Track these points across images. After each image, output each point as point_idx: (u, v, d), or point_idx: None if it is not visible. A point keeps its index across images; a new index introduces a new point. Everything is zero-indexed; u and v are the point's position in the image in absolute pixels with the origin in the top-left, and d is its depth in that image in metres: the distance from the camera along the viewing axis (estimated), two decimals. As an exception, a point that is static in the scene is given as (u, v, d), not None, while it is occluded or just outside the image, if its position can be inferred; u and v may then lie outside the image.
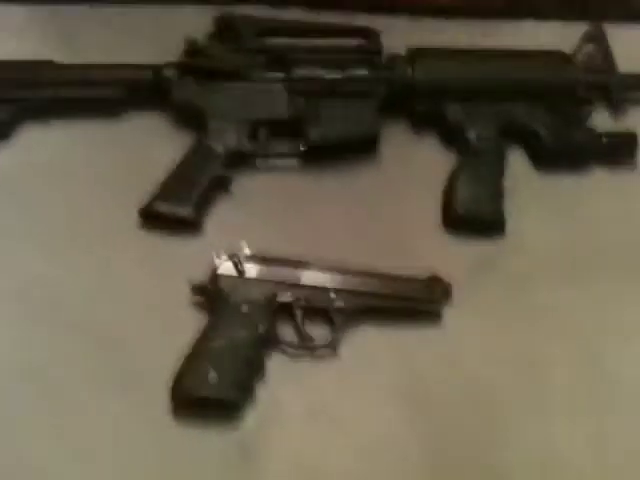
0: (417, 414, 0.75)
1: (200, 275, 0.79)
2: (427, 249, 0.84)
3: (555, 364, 0.78)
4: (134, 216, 0.84)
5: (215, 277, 0.78)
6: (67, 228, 0.84)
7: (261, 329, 0.75)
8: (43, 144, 0.89)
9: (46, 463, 0.72)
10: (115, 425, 0.74)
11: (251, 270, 0.78)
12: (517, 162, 0.89)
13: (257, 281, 0.77)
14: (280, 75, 0.88)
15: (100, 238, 0.83)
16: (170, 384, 0.74)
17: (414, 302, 0.78)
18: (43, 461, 0.72)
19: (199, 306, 0.79)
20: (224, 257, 0.78)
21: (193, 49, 0.87)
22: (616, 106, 0.92)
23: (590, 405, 0.76)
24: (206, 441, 0.73)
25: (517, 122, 0.88)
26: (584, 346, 0.79)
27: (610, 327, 0.80)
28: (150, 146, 0.89)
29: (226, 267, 0.78)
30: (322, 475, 0.72)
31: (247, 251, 0.79)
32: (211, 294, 0.78)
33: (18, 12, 0.96)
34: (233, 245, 0.81)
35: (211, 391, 0.73)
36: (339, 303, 0.78)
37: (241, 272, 0.78)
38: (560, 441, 0.74)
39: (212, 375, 0.72)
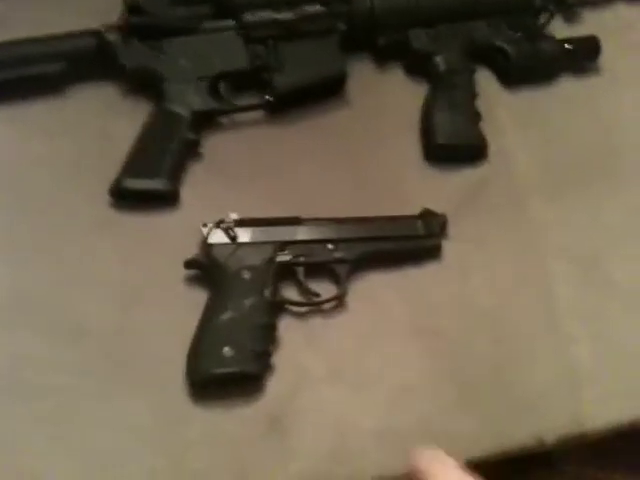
0: (436, 351, 0.74)
1: (188, 248, 0.75)
2: (413, 185, 0.82)
3: (557, 276, 0.78)
4: (104, 198, 0.78)
5: (207, 247, 0.74)
6: (35, 225, 0.77)
7: (266, 293, 0.72)
8: (-14, 135, 0.81)
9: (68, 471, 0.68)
10: (137, 421, 0.70)
11: (243, 234, 0.74)
12: (485, 82, 0.87)
13: (252, 245, 0.74)
14: (231, 23, 0.82)
15: (73, 229, 0.77)
16: (184, 367, 0.70)
17: (413, 240, 0.77)
18: (65, 471, 0.68)
19: (195, 281, 0.75)
20: (211, 225, 0.74)
21: (133, 7, 0.80)
22: (571, 11, 0.92)
23: (595, 313, 0.77)
24: (232, 417, 0.70)
25: (481, 41, 0.86)
26: (583, 256, 0.79)
27: (605, 233, 0.80)
28: (106, 120, 0.82)
29: (217, 235, 0.74)
30: (356, 432, 0.70)
31: (235, 215, 0.75)
32: (207, 266, 0.74)
33: None
34: (217, 213, 0.77)
35: (229, 366, 0.69)
36: (339, 254, 0.75)
37: (233, 238, 0.74)
38: (577, 355, 0.75)
39: (226, 349, 0.69)
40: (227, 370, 0.69)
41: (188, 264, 0.74)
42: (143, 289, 0.75)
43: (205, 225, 0.74)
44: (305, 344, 0.74)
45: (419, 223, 0.77)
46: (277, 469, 0.68)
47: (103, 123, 0.82)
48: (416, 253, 0.78)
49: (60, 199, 0.79)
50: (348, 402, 0.72)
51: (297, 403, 0.71)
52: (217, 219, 0.75)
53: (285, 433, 0.70)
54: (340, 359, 0.73)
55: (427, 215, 0.77)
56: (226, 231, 0.73)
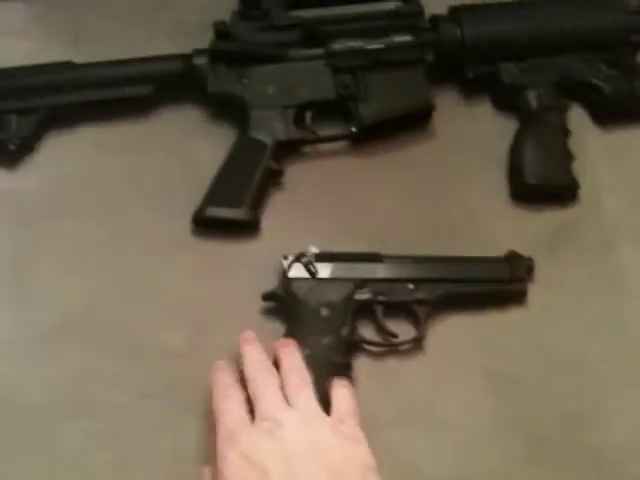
0: (512, 400, 0.72)
1: (267, 278, 0.74)
2: (497, 224, 0.79)
3: (643, 328, 0.75)
4: (185, 221, 0.78)
5: (287, 281, 0.73)
6: (114, 247, 0.78)
7: (344, 332, 0.71)
8: (72, 154, 0.82)
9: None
10: (193, 452, 0.69)
11: (323, 270, 0.73)
12: (577, 120, 0.84)
13: (331, 280, 0.73)
14: (319, 51, 0.81)
15: (153, 253, 0.77)
16: None
17: (497, 284, 0.74)
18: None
19: (272, 312, 0.74)
20: (292, 258, 0.73)
21: (223, 32, 0.80)
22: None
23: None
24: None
25: (575, 77, 0.83)
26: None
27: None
28: (191, 143, 0.82)
29: (296, 269, 0.73)
30: (427, 478, 0.69)
31: (315, 249, 0.74)
32: (285, 300, 0.73)
33: (16, 9, 0.88)
34: (296, 243, 0.76)
35: None
36: (419, 294, 0.73)
37: (313, 273, 0.73)
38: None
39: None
40: None
41: (266, 297, 0.73)
42: (218, 317, 0.75)
43: (286, 257, 0.73)
44: (378, 384, 0.73)
45: (505, 266, 0.74)
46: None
47: (188, 146, 0.82)
48: (500, 298, 0.75)
49: (140, 219, 0.79)
50: (416, 446, 0.70)
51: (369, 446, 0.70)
52: (297, 252, 0.74)
53: None
54: (412, 402, 0.72)
55: (513, 258, 0.75)
56: (306, 266, 0.72)
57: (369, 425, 0.69)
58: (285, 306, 0.73)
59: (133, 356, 0.73)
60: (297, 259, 0.73)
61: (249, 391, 0.65)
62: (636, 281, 0.77)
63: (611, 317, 0.76)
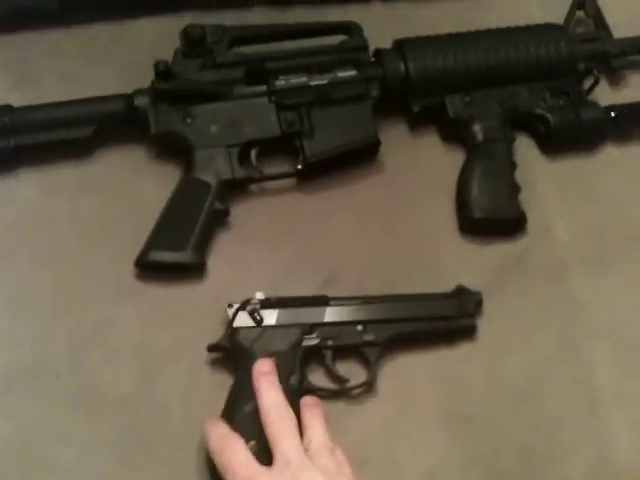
0: (467, 437, 0.71)
1: (215, 322, 0.73)
2: (447, 257, 0.79)
3: (600, 361, 0.74)
4: (129, 264, 0.76)
5: (232, 331, 0.71)
6: (54, 292, 0.76)
7: (293, 381, 0.69)
8: (14, 197, 0.80)
9: None
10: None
11: (269, 317, 0.71)
12: (524, 150, 0.84)
13: (278, 328, 0.71)
14: (262, 88, 0.80)
15: (96, 294, 0.75)
16: (202, 449, 0.68)
17: (446, 320, 0.74)
18: None
19: (220, 360, 0.73)
20: (236, 306, 0.72)
21: (164, 71, 0.79)
22: (615, 74, 0.88)
23: (638, 402, 0.73)
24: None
25: (521, 108, 0.83)
26: (626, 339, 0.75)
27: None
28: (134, 183, 0.81)
29: (241, 318, 0.71)
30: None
31: (260, 295, 0.72)
32: (231, 351, 0.71)
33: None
34: (244, 284, 0.75)
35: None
36: (369, 336, 0.72)
37: (259, 321, 0.71)
38: (618, 446, 0.71)
39: (251, 444, 0.66)
40: None
41: (212, 348, 0.71)
42: (164, 363, 0.73)
43: (230, 306, 0.71)
44: (330, 426, 0.71)
45: (453, 302, 0.74)
46: None
47: (132, 187, 0.81)
48: (450, 333, 0.74)
49: (84, 262, 0.77)
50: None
51: None
52: (243, 299, 0.72)
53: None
54: (365, 444, 0.70)
55: (461, 293, 0.74)
56: (251, 314, 0.71)
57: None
58: (232, 357, 0.71)
59: (80, 406, 0.71)
60: (242, 307, 0.71)
61: (267, 432, 0.64)
62: (587, 312, 0.77)
63: (563, 349, 0.75)
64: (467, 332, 0.75)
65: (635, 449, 0.70)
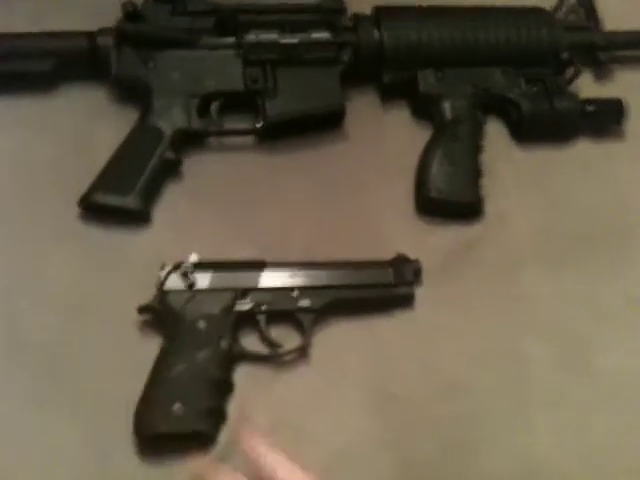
0: (388, 419, 0.69)
1: (152, 274, 0.71)
2: (398, 235, 0.77)
3: (535, 359, 0.72)
4: (74, 206, 0.75)
5: (162, 294, 0.69)
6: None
7: (224, 345, 0.68)
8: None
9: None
10: (61, 444, 0.67)
11: (202, 280, 0.70)
12: (494, 135, 0.81)
13: (210, 291, 0.69)
14: (230, 40, 0.78)
15: (35, 233, 0.74)
16: (129, 414, 0.66)
17: (383, 288, 0.71)
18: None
19: (150, 325, 0.71)
20: (169, 268, 0.70)
21: (131, 13, 0.77)
22: (602, 68, 0.85)
23: (574, 404, 0.70)
24: (166, 465, 0.66)
25: (494, 90, 0.80)
26: (567, 339, 0.73)
27: (598, 318, 0.74)
28: (90, 124, 0.79)
29: (173, 280, 0.69)
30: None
31: (195, 258, 0.70)
32: (161, 314, 0.69)
33: None
34: (188, 239, 0.74)
35: (179, 425, 0.65)
36: (304, 302, 0.70)
37: (191, 284, 0.69)
38: (542, 444, 0.69)
39: (177, 406, 0.64)
40: (176, 429, 0.65)
41: (142, 310, 0.69)
42: (92, 313, 0.71)
43: (163, 268, 0.70)
44: (254, 392, 0.70)
45: (390, 270, 0.72)
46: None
47: (87, 127, 0.79)
48: (387, 302, 0.73)
49: (27, 200, 0.76)
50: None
51: (234, 455, 0.67)
52: (182, 257, 0.70)
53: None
54: (285, 413, 0.69)
55: (400, 261, 0.72)
56: (183, 276, 0.69)
57: (236, 430, 0.67)
58: (161, 320, 0.70)
59: (4, 344, 0.70)
60: (174, 269, 0.69)
61: None
62: (532, 307, 0.74)
63: (501, 342, 0.73)
64: (405, 301, 0.73)
65: (557, 449, 0.68)
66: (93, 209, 0.74)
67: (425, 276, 0.73)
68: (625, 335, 0.73)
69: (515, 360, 0.72)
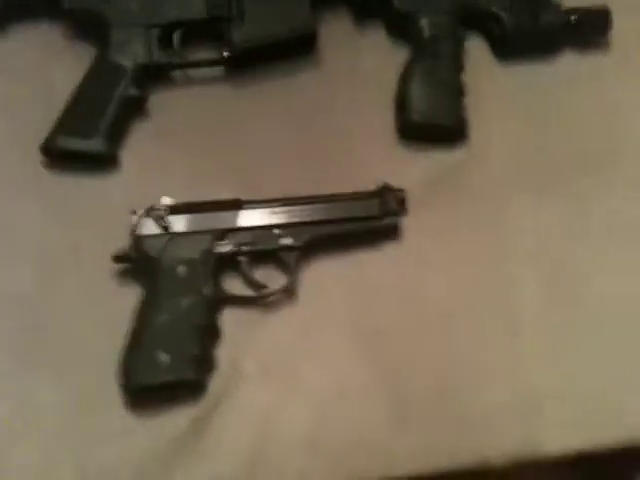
0: (379, 357, 0.67)
1: (122, 220, 0.67)
2: (379, 164, 0.73)
3: (523, 285, 0.70)
4: (36, 153, 0.70)
5: (137, 240, 0.66)
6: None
7: (206, 290, 0.65)
8: None
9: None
10: (39, 399, 0.64)
11: (177, 223, 0.66)
12: (476, 52, 0.77)
13: (187, 235, 0.66)
14: (191, -37, 0.73)
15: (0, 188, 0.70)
16: (111, 367, 0.64)
17: (367, 221, 0.69)
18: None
19: (127, 274, 0.68)
20: (141, 213, 0.66)
21: (80, -63, 0.71)
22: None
23: (562, 327, 0.69)
24: (153, 413, 0.64)
25: (474, 5, 0.75)
26: (555, 264, 0.71)
27: (585, 241, 0.71)
28: (46, 65, 0.74)
29: (148, 225, 0.66)
30: (281, 438, 0.64)
31: (168, 200, 0.67)
32: (138, 261, 0.66)
33: None
34: (159, 181, 0.70)
35: (165, 375, 0.62)
36: (286, 240, 0.68)
37: (166, 227, 0.66)
38: (534, 374, 0.67)
39: (162, 356, 0.62)
40: (163, 380, 0.63)
41: (118, 259, 0.66)
42: (66, 265, 0.68)
43: (135, 212, 0.66)
44: (242, 335, 0.68)
45: (375, 201, 0.69)
46: (192, 475, 0.63)
47: (43, 67, 0.75)
48: (373, 235, 0.70)
49: (-14, 150, 0.71)
50: (276, 404, 0.65)
51: (225, 403, 0.65)
52: (149, 205, 0.67)
53: (204, 434, 0.64)
54: (274, 356, 0.67)
55: (384, 191, 0.69)
56: (158, 220, 0.66)
57: (229, 378, 0.65)
58: (139, 267, 0.66)
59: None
60: (147, 213, 0.66)
61: None
62: (518, 235, 0.72)
63: (488, 272, 0.70)
64: (390, 232, 0.70)
65: (553, 375, 0.67)
66: (56, 155, 0.70)
67: (410, 205, 0.70)
68: (613, 257, 0.71)
69: (504, 288, 0.70)
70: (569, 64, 0.78)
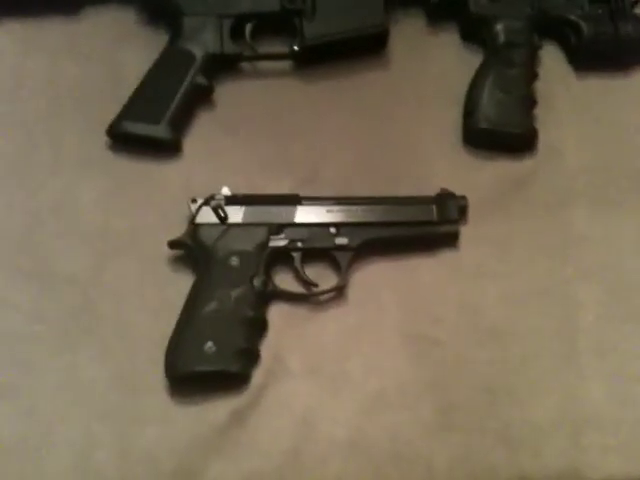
0: (427, 363, 0.66)
1: (178, 210, 0.68)
2: (442, 170, 0.72)
3: (583, 303, 0.67)
4: (101, 134, 0.71)
5: (194, 228, 0.66)
6: (21, 150, 0.72)
7: (257, 282, 0.65)
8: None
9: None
10: (88, 381, 0.65)
11: (235, 214, 0.66)
12: (551, 61, 0.75)
13: (243, 226, 0.66)
14: (267, -44, 0.73)
15: (62, 161, 0.71)
16: (159, 352, 0.64)
17: (427, 226, 0.67)
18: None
19: (181, 260, 0.68)
20: (200, 202, 0.66)
21: None
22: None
23: (624, 352, 0.66)
24: (194, 404, 0.64)
25: (553, 12, 0.73)
26: (618, 283, 0.68)
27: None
28: (119, 49, 0.76)
29: (205, 214, 0.66)
30: (321, 437, 0.63)
31: (227, 191, 0.67)
32: (192, 249, 0.66)
33: None
34: (220, 172, 0.70)
35: (210, 364, 0.62)
36: (341, 240, 0.67)
37: (223, 218, 0.66)
38: (589, 392, 0.65)
39: (209, 345, 0.62)
40: (207, 368, 0.63)
41: (173, 244, 0.66)
42: (122, 247, 0.69)
43: (194, 201, 0.66)
44: (290, 331, 0.67)
45: (434, 206, 0.67)
46: (229, 467, 0.62)
47: (114, 53, 0.76)
48: (430, 241, 0.68)
49: (54, 129, 0.73)
50: (319, 403, 0.65)
51: (267, 397, 0.65)
52: (211, 190, 0.67)
53: (244, 427, 0.63)
54: (319, 356, 0.66)
55: (444, 197, 0.68)
56: (215, 210, 0.66)
57: (273, 372, 0.65)
58: (193, 255, 0.67)
59: (31, 277, 0.68)
60: (206, 202, 0.66)
61: None
62: (583, 249, 0.69)
63: (549, 285, 0.68)
64: (448, 240, 0.68)
65: (606, 400, 0.64)
66: (121, 138, 0.71)
67: (471, 214, 0.69)
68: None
69: (563, 304, 0.68)
70: (648, 78, 0.75)
